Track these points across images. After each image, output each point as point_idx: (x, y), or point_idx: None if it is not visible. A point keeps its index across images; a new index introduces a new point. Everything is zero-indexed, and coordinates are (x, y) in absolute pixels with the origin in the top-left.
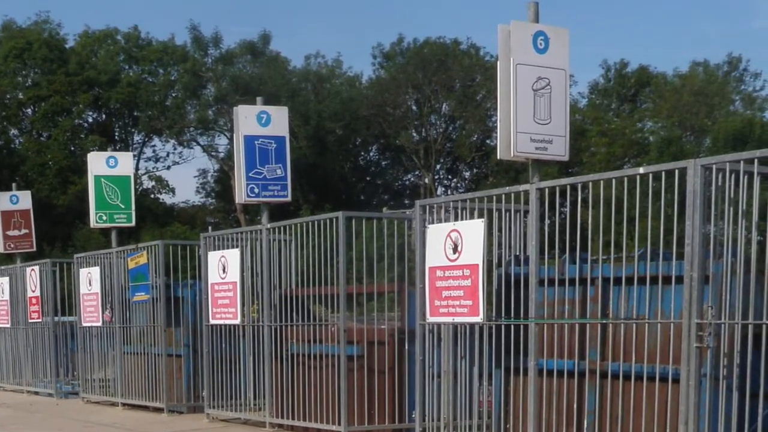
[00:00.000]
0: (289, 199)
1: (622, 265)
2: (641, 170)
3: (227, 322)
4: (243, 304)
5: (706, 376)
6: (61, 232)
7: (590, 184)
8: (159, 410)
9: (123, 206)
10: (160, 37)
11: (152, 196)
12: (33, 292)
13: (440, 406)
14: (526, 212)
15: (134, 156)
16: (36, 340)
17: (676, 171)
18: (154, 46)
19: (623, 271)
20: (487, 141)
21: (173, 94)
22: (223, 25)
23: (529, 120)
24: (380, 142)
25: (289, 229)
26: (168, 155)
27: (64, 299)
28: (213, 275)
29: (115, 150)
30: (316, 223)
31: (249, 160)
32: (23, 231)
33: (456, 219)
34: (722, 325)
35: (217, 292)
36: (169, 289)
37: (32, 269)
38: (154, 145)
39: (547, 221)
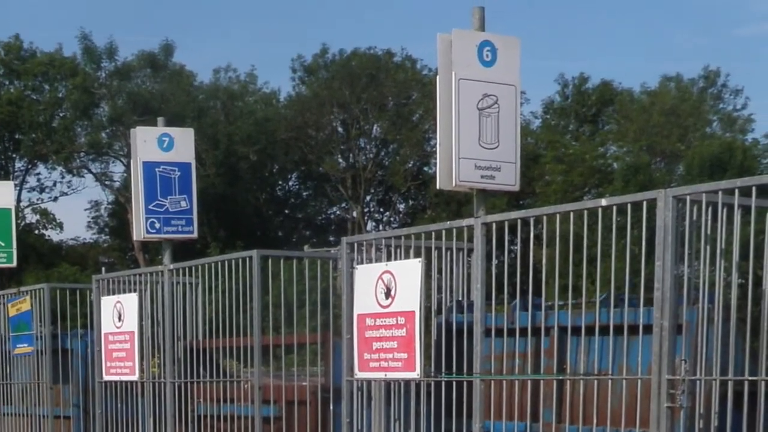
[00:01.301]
0: (195, 235)
1: (581, 313)
2: (604, 202)
3: (123, 378)
4: (142, 358)
5: None
6: None
7: (544, 218)
8: None
9: (2, 244)
10: (46, 47)
11: (36, 232)
12: None
13: None
14: (471, 251)
15: (15, 186)
16: None
17: (644, 203)
18: (39, 58)
19: (582, 319)
20: (425, 168)
21: (61, 114)
22: (118, 34)
23: (473, 144)
24: (301, 170)
25: (195, 271)
26: (55, 185)
27: None
28: (107, 324)
29: None
30: (226, 263)
31: (149, 191)
32: None
33: (389, 258)
34: (698, 382)
35: (112, 344)
36: (56, 340)
37: None
38: (38, 173)
39: (494, 261)
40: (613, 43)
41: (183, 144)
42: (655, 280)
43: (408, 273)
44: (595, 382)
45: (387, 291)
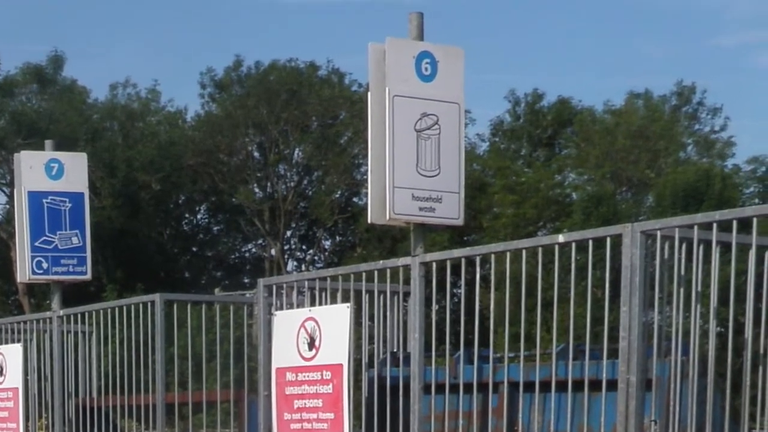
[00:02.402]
0: (88, 276)
1: (535, 366)
2: (561, 238)
3: None
4: (27, 419)
5: None
6: None
7: (492, 256)
8: None
9: None
10: None
11: None
12: None
13: None
14: (407, 294)
15: None
16: None
17: (608, 239)
18: None
19: (537, 373)
20: (355, 199)
21: None
22: (0, 43)
23: (410, 171)
24: (211, 201)
25: (89, 317)
26: None
27: None
28: None
29: None
30: (125, 308)
31: (35, 225)
32: None
33: (313, 303)
34: None
35: None
36: None
37: None
38: None
39: (434, 306)
40: (572, 54)
41: (75, 171)
42: (620, 329)
43: (335, 320)
44: None
45: (310, 341)
